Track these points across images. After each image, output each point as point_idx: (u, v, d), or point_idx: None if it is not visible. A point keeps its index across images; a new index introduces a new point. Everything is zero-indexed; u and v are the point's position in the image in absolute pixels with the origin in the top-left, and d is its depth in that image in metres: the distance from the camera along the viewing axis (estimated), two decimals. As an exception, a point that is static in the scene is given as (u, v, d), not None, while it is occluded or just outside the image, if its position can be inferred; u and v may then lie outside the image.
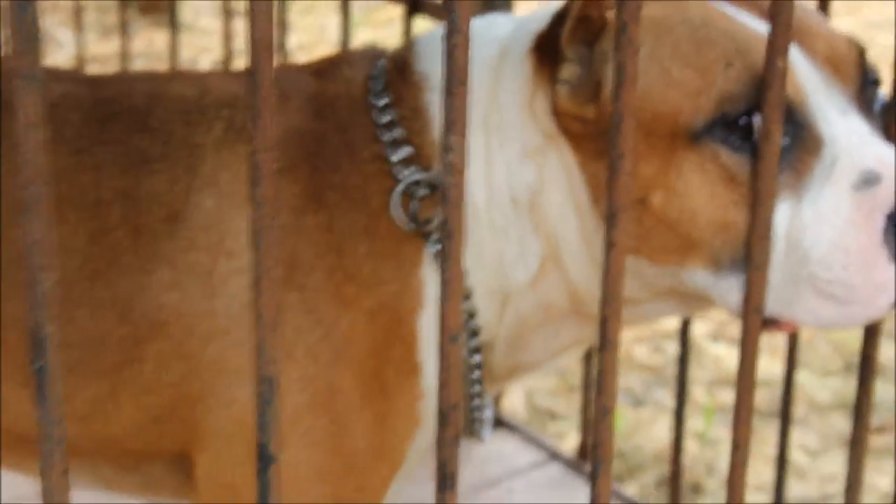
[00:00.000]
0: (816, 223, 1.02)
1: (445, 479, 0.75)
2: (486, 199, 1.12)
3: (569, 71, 1.07)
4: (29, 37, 0.59)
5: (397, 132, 1.13)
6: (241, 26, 2.75)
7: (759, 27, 1.04)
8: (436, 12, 1.77)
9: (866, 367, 1.28)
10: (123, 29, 2.49)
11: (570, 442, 2.10)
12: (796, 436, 2.21)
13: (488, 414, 1.25)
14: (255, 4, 0.65)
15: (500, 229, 1.13)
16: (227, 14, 2.19)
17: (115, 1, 2.95)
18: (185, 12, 3.82)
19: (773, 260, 0.96)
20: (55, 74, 1.24)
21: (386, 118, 1.13)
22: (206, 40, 3.84)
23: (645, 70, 0.91)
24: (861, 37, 1.15)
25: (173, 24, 2.36)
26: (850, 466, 1.33)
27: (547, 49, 1.08)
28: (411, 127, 1.14)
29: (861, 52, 1.10)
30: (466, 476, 1.78)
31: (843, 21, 3.82)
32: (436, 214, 1.11)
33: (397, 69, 1.17)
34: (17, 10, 0.59)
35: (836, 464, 2.27)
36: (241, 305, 1.12)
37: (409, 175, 1.11)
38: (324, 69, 1.21)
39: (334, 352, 1.12)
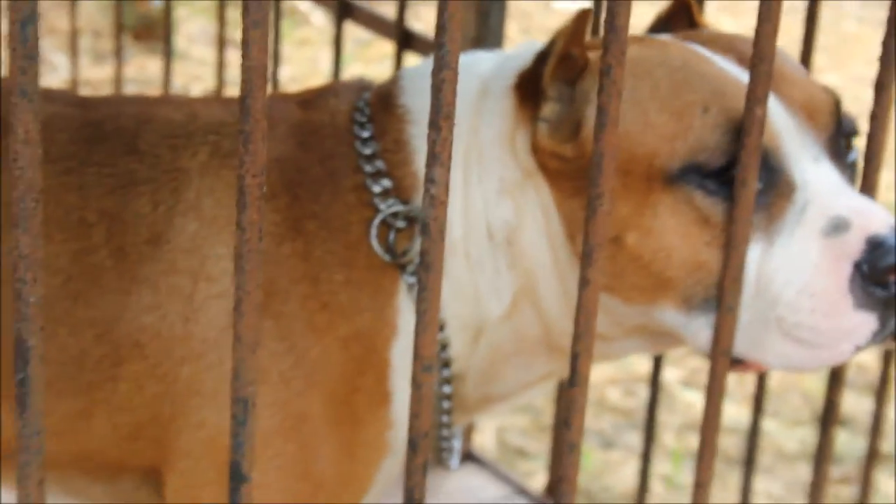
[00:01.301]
0: (786, 267, 1.06)
1: (415, 499, 0.78)
2: (462, 233, 1.16)
3: (550, 109, 1.10)
4: (29, 56, 0.62)
5: (379, 164, 1.17)
6: (235, 56, 2.79)
7: (737, 73, 1.09)
8: (426, 48, 1.80)
9: (829, 412, 1.33)
10: (118, 54, 2.51)
11: (538, 480, 2.14)
12: (761, 484, 2.26)
13: (456, 444, 1.30)
14: (250, 34, 0.67)
15: (475, 263, 1.16)
16: (221, 43, 2.22)
17: (110, 26, 3.00)
18: (179, 40, 3.88)
19: (742, 301, 1.01)
20: (47, 94, 1.27)
21: (368, 150, 1.17)
22: (199, 69, 3.89)
23: (623, 111, 0.95)
24: (846, 91, 1.20)
25: (167, 52, 2.37)
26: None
27: (529, 86, 1.11)
28: (392, 159, 1.17)
29: (836, 102, 1.14)
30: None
31: (828, 76, 3.92)
32: (412, 246, 1.14)
33: (382, 102, 1.20)
34: (18, 29, 0.62)
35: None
36: (219, 330, 1.15)
37: (387, 207, 1.14)
38: (310, 99, 1.24)
39: (306, 378, 1.15)
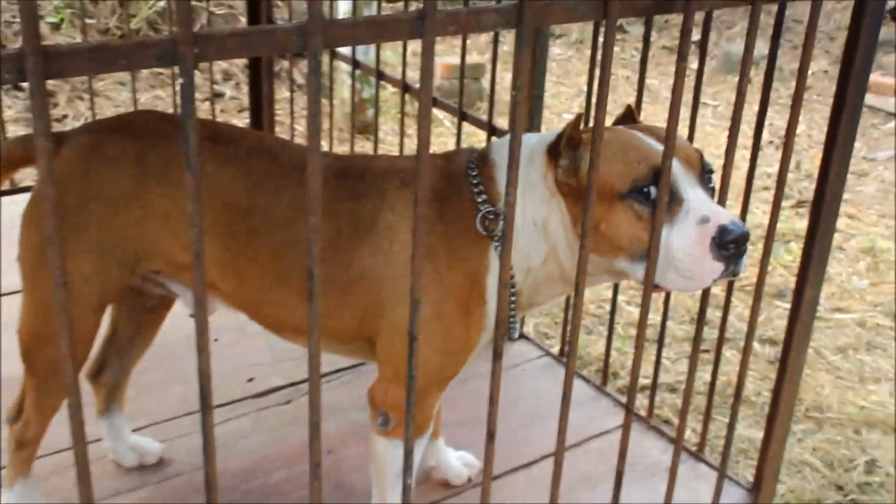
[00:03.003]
0: (679, 239, 1.54)
1: (498, 352, 1.27)
2: (521, 222, 1.70)
3: (563, 162, 1.64)
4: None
5: (480, 188, 1.71)
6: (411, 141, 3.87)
7: (656, 144, 1.59)
8: (478, 124, 2.81)
9: (701, 316, 1.78)
10: (351, 142, 3.70)
11: (555, 348, 3.02)
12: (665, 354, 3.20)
13: (517, 326, 1.82)
14: (422, 122, 1.07)
15: (527, 237, 1.71)
16: (402, 134, 3.16)
17: (349, 127, 3.63)
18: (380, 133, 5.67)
19: (658, 257, 1.48)
20: (327, 154, 1.85)
21: (476, 181, 1.71)
22: (390, 148, 5.77)
23: (600, 163, 1.43)
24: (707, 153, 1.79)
25: (375, 140, 3.39)
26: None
27: (553, 150, 1.65)
28: (487, 185, 1.72)
29: (701, 155, 1.64)
30: (505, 359, 2.74)
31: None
32: (496, 228, 1.67)
33: (482, 158, 1.76)
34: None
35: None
36: (402, 268, 1.70)
37: (484, 208, 1.70)
38: (449, 156, 1.81)
39: (445, 292, 1.70)
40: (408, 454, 1.28)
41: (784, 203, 5.11)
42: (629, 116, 1.82)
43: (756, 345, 3.96)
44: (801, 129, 6.78)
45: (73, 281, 1.75)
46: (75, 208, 1.74)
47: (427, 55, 1.07)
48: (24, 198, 1.80)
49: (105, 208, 1.75)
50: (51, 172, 0.94)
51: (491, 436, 1.35)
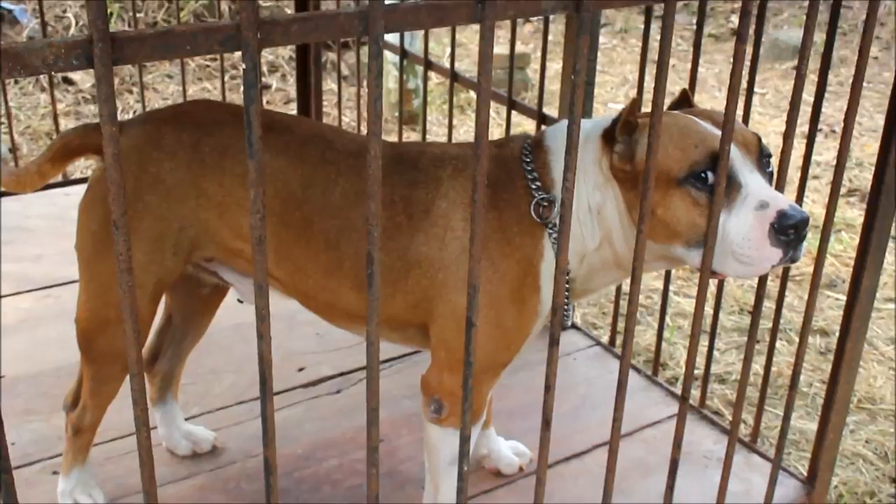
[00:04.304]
0: (737, 225, 1.53)
1: (555, 338, 1.28)
2: (576, 207, 1.69)
3: (619, 147, 1.63)
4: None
5: (534, 174, 1.69)
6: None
7: (712, 128, 1.58)
8: (527, 112, 2.83)
9: (758, 306, 1.74)
10: (399, 133, 3.36)
11: (604, 338, 3.05)
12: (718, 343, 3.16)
13: (570, 314, 1.82)
14: (481, 117, 1.08)
15: (582, 222, 1.70)
16: (451, 128, 3.10)
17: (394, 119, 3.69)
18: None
19: (715, 243, 1.46)
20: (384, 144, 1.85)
21: (530, 167, 1.69)
22: (436, 137, 5.65)
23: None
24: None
25: (423, 130, 3.36)
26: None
27: (609, 135, 1.64)
28: (541, 172, 1.71)
29: (760, 139, 1.62)
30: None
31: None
32: (551, 215, 1.65)
33: (536, 144, 1.75)
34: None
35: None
36: (458, 254, 1.69)
37: (539, 195, 1.69)
38: (502, 143, 1.78)
39: (500, 279, 1.69)
40: (464, 441, 1.28)
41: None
42: (685, 101, 1.80)
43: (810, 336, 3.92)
44: (852, 117, 6.66)
45: None
46: (132, 197, 1.76)
47: (486, 39, 1.07)
48: (78, 189, 1.81)
49: (161, 197, 1.78)
50: (118, 158, 0.95)
51: (547, 423, 1.35)
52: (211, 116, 1.81)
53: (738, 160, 1.57)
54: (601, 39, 8.48)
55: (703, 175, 1.55)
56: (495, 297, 1.70)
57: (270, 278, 1.87)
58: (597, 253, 1.73)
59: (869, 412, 3.48)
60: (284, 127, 1.82)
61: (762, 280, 1.76)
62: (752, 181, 1.56)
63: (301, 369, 2.68)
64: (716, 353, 3.69)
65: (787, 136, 1.55)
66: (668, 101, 1.77)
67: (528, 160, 1.74)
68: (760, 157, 1.62)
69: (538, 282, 1.72)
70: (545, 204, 1.69)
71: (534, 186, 1.71)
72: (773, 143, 5.37)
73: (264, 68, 6.47)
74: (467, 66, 7.09)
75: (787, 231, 1.51)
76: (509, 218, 1.71)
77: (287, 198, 1.76)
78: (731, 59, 1.35)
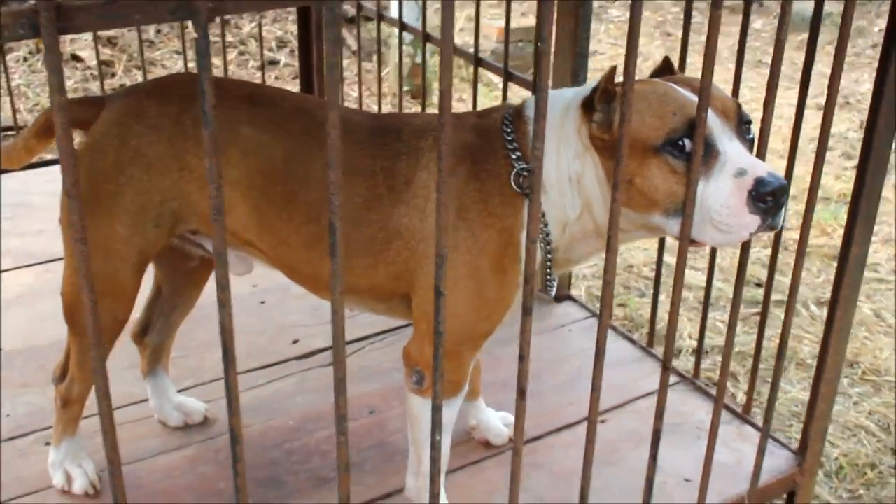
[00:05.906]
0: (715, 193, 1.52)
1: (527, 307, 1.25)
2: (556, 177, 1.68)
3: (598, 115, 1.61)
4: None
5: (515, 144, 1.68)
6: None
7: (691, 96, 1.55)
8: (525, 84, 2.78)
9: (741, 272, 1.76)
10: (399, 106, 3.26)
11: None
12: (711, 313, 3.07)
13: (554, 284, 1.79)
14: (443, 75, 1.08)
15: (563, 192, 1.69)
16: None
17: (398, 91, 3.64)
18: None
19: (694, 211, 1.46)
20: (361, 113, 1.85)
21: (510, 137, 1.68)
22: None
23: (633, 116, 1.45)
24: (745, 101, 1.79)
25: (423, 104, 3.20)
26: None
27: (588, 104, 1.63)
28: (521, 142, 1.69)
29: (739, 106, 1.59)
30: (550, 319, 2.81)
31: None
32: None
33: (516, 114, 1.74)
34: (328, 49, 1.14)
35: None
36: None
37: (519, 165, 1.68)
38: (482, 113, 1.78)
39: (479, 249, 1.68)
40: (435, 409, 1.28)
41: (847, 164, 5.04)
42: (667, 68, 1.78)
43: (814, 307, 3.89)
44: (864, 87, 6.61)
45: (112, 240, 1.79)
46: (114, 169, 1.77)
47: (448, 10, 1.05)
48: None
49: (143, 169, 1.78)
50: (66, 127, 0.95)
51: (521, 393, 1.35)
52: (193, 89, 1.81)
53: (717, 127, 1.55)
54: (615, 12, 8.43)
55: (680, 143, 1.53)
56: (476, 268, 1.70)
57: (255, 250, 1.87)
58: (578, 222, 1.72)
59: (873, 384, 3.46)
60: (268, 100, 1.82)
61: (745, 247, 1.74)
62: (731, 148, 1.54)
63: (295, 341, 2.69)
64: (721, 325, 3.68)
65: (768, 104, 1.54)
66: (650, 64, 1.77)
67: (509, 130, 1.72)
68: (740, 123, 1.60)
69: (519, 252, 1.71)
70: (525, 174, 1.68)
71: (514, 156, 1.70)
72: (786, 115, 5.32)
73: (272, 44, 6.45)
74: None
75: (766, 198, 1.49)
76: (490, 188, 1.70)
77: (270, 171, 1.76)
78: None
